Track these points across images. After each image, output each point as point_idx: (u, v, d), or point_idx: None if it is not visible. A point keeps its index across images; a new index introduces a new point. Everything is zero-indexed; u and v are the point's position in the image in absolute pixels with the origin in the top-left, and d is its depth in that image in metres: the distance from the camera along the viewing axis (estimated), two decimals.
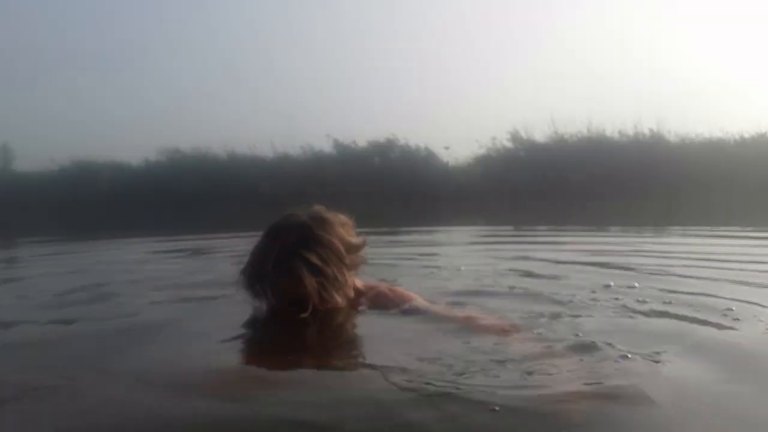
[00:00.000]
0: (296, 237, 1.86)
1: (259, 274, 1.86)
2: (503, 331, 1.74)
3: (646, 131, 22.40)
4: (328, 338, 1.85)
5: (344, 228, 1.96)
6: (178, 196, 20.89)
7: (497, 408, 1.20)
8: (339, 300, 1.88)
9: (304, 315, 1.81)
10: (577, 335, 1.69)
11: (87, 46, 44.61)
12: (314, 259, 1.82)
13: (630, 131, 22.54)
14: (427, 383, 1.31)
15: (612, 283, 2.61)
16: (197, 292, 2.66)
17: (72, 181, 23.45)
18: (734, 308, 2.08)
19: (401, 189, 20.84)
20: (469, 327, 1.80)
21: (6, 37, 42.12)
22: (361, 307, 1.98)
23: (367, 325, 1.91)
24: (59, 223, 13.83)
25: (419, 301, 2.09)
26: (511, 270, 3.24)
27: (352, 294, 1.97)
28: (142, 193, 21.71)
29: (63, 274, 3.74)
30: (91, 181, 23.28)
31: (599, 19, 43.32)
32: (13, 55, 41.39)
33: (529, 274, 3.04)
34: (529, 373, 1.38)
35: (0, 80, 37.43)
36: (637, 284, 2.55)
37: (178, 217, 15.26)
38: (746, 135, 21.67)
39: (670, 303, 2.23)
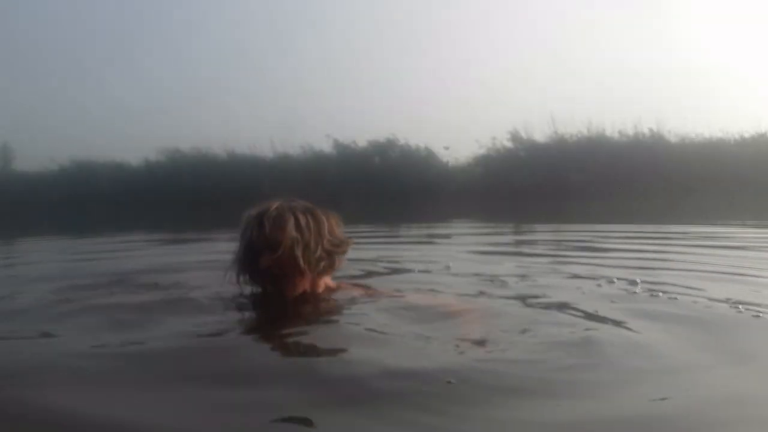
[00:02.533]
0: (300, 204, 2.08)
1: (259, 214, 2.03)
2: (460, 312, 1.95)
3: (646, 131, 22.44)
4: (293, 322, 1.95)
5: (335, 222, 2.15)
6: (178, 196, 20.89)
7: (452, 381, 1.30)
8: (304, 269, 2.01)
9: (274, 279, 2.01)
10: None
11: (87, 46, 44.60)
12: (303, 222, 2.01)
13: (630, 131, 22.58)
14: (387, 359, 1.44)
15: (615, 280, 2.61)
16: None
17: (72, 181, 23.44)
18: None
19: (401, 189, 20.85)
20: (432, 309, 2.01)
21: (6, 37, 42.14)
22: (328, 298, 2.13)
23: (331, 310, 2.06)
24: (59, 223, 13.82)
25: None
26: (498, 267, 3.21)
27: (321, 286, 2.11)
28: (142, 192, 21.71)
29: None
30: (91, 181, 23.27)
31: (599, 19, 43.28)
32: (13, 55, 41.37)
33: (516, 274, 3.01)
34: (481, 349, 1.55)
35: (0, 80, 37.39)
36: (638, 280, 2.55)
37: (178, 216, 15.26)
38: (746, 135, 21.72)
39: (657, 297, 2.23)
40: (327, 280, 2.15)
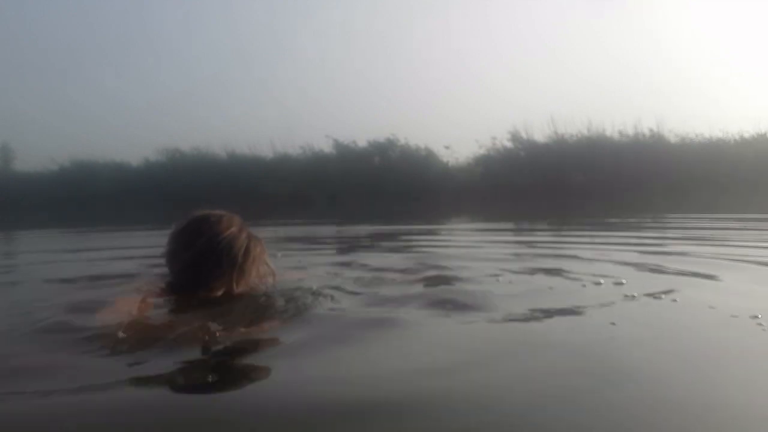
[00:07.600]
0: (239, 222, 2.39)
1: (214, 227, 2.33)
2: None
3: (646, 131, 22.43)
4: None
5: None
6: (179, 195, 20.89)
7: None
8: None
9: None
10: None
11: (87, 46, 44.65)
12: (251, 244, 2.34)
13: (630, 131, 22.58)
14: None
15: (602, 281, 2.60)
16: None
17: (72, 181, 23.46)
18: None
19: (401, 188, 20.84)
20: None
21: (6, 36, 42.19)
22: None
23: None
24: (58, 223, 13.83)
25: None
26: (478, 264, 3.24)
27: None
28: (142, 192, 21.72)
29: None
30: (91, 181, 23.28)
31: (599, 19, 43.30)
32: (14, 55, 41.44)
33: (494, 270, 3.03)
34: None
35: (0, 80, 37.46)
36: (624, 281, 2.55)
37: (178, 216, 15.26)
38: (746, 135, 21.71)
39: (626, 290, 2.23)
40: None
